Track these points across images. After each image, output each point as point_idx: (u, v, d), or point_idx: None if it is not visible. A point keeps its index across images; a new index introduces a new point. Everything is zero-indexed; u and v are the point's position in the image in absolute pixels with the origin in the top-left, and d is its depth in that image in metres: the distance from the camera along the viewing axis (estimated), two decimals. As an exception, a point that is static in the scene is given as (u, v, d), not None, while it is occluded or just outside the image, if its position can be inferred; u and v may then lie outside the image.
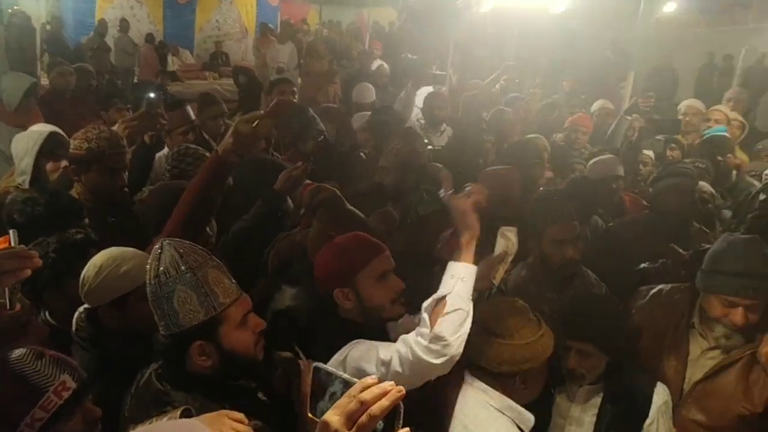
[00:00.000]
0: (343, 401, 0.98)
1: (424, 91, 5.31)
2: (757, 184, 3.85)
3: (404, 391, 0.95)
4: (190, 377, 1.61)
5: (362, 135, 4.32)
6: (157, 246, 1.62)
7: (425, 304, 1.81)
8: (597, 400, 2.15)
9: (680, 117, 5.04)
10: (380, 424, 0.96)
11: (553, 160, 4.36)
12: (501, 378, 1.93)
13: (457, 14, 6.17)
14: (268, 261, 2.71)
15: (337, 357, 1.83)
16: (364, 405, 0.95)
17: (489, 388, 1.94)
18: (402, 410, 0.97)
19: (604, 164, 3.73)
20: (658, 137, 4.19)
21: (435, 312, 1.77)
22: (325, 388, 1.04)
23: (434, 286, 2.48)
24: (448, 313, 1.74)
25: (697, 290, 2.27)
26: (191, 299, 1.55)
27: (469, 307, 1.79)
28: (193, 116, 3.74)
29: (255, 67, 10.31)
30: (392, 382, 0.97)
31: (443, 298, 1.78)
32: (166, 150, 3.59)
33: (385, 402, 0.95)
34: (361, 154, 4.01)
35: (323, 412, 1.00)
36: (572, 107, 6.10)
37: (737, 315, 2.07)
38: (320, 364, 1.05)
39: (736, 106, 5.54)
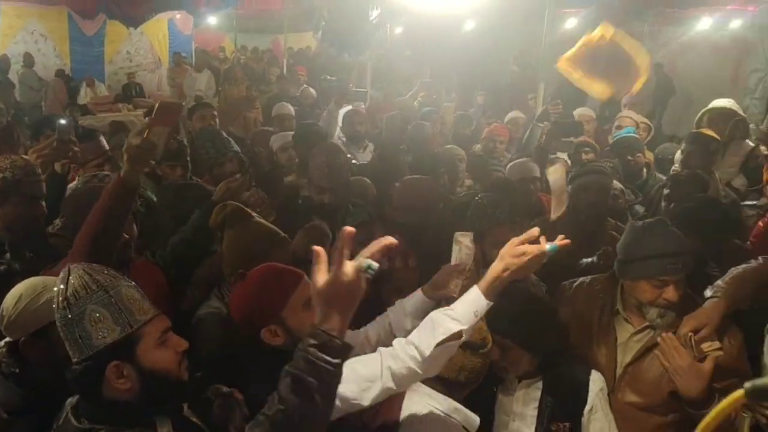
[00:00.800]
0: None
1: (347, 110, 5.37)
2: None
3: None
4: (110, 406, 1.51)
5: (283, 155, 4.31)
6: (63, 271, 1.55)
7: (438, 321, 1.69)
8: (537, 394, 2.18)
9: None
10: None
11: (472, 169, 4.52)
12: (450, 384, 1.93)
13: (372, 33, 6.27)
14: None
15: None
16: None
17: (434, 392, 1.93)
18: None
19: (521, 166, 3.93)
20: (568, 139, 4.39)
21: (449, 338, 1.68)
22: None
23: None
24: (456, 343, 1.70)
25: (615, 278, 2.36)
26: (105, 318, 1.48)
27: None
28: (107, 146, 3.63)
29: (171, 98, 10.10)
30: None
31: (460, 332, 1.68)
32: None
33: None
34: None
35: None
36: (488, 118, 6.31)
37: (670, 292, 2.16)
38: None
39: (633, 109, 5.89)
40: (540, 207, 3.79)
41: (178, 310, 2.45)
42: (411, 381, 1.74)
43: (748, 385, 0.64)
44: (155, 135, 2.08)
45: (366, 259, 1.39)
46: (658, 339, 2.12)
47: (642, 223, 2.29)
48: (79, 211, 2.29)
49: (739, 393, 0.65)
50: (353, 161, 4.22)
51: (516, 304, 2.17)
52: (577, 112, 5.63)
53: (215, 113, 4.84)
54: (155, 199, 2.97)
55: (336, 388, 1.42)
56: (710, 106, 4.72)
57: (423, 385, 1.94)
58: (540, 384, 2.19)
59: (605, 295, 2.38)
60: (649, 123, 5.56)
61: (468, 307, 1.70)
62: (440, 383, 1.92)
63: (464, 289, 1.84)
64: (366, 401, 1.69)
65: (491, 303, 1.71)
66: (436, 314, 1.72)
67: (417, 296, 2.10)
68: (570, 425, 2.14)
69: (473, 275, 2.40)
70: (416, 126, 5.00)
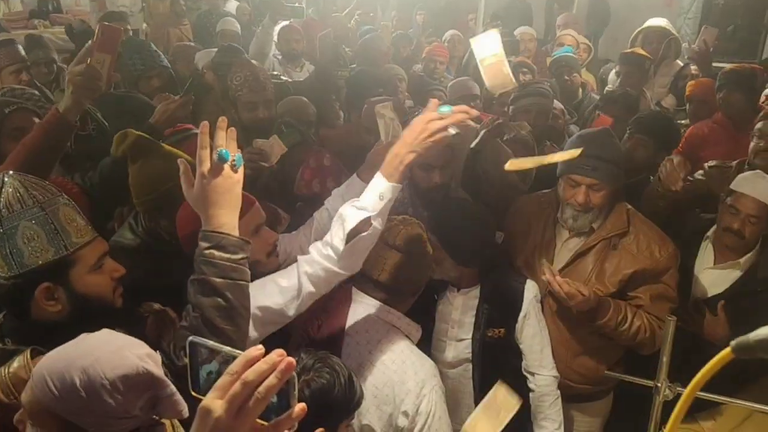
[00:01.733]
0: (224, 381, 0.83)
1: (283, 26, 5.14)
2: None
3: (294, 363, 0.84)
4: (37, 327, 1.45)
5: (209, 74, 4.09)
6: None
7: (348, 217, 1.65)
8: (474, 303, 2.27)
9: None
10: (274, 398, 0.84)
11: (413, 90, 4.46)
12: (393, 292, 1.96)
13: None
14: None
15: None
16: (248, 386, 0.81)
17: (378, 302, 1.96)
18: (296, 381, 0.85)
19: (462, 84, 3.95)
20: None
21: (355, 229, 1.65)
22: (204, 363, 0.91)
23: (298, 221, 2.43)
24: (369, 234, 1.67)
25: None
26: (39, 236, 1.41)
27: (383, 226, 1.72)
28: (24, 55, 3.41)
29: (92, 14, 9.43)
30: (281, 351, 0.83)
31: (369, 218, 1.66)
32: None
33: (273, 380, 0.82)
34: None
35: (207, 390, 0.86)
36: (428, 37, 6.20)
37: (579, 194, 2.25)
38: (196, 338, 0.92)
39: (566, 28, 5.86)
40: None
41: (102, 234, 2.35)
42: (332, 280, 1.72)
43: (733, 343, 0.67)
44: (98, 62, 1.95)
45: (219, 150, 1.37)
46: (544, 276, 2.20)
47: (589, 129, 2.37)
48: None
49: (725, 351, 0.68)
50: (284, 78, 4.08)
51: (447, 208, 2.27)
52: (519, 31, 5.60)
53: (128, 26, 4.58)
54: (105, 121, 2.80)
55: (246, 284, 1.42)
56: (645, 25, 4.77)
57: (367, 296, 1.97)
58: (477, 293, 2.27)
59: (550, 206, 2.46)
60: (590, 44, 5.59)
61: (372, 194, 1.66)
62: (384, 293, 1.95)
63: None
64: (291, 310, 1.70)
65: (398, 185, 1.66)
66: (344, 208, 1.68)
67: (353, 180, 2.10)
68: (505, 331, 2.24)
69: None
70: (369, 40, 4.88)
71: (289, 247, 2.09)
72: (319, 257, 1.69)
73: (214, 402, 0.82)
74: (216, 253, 1.36)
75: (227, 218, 1.39)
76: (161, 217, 2.11)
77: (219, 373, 0.86)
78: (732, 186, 2.35)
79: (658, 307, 2.26)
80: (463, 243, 2.17)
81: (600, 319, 2.23)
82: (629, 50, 4.45)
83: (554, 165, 2.38)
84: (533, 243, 2.44)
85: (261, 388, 0.81)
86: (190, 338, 0.92)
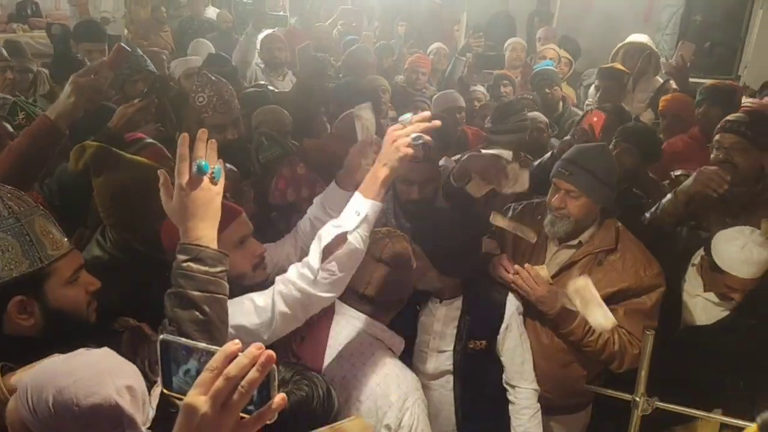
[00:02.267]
0: (206, 378, 0.83)
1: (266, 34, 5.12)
2: (581, 113, 4.20)
3: (274, 356, 0.84)
4: (9, 342, 1.42)
5: (188, 81, 4.02)
6: None
7: (324, 234, 1.65)
8: (456, 314, 2.26)
9: (508, 52, 5.44)
10: (254, 393, 0.85)
11: (396, 100, 4.47)
12: (377, 305, 1.95)
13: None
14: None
15: None
16: (231, 381, 0.82)
17: (361, 314, 1.95)
18: (276, 374, 0.86)
19: (446, 96, 3.99)
20: (489, 71, 4.43)
21: (332, 247, 1.64)
22: (178, 362, 0.90)
23: (273, 231, 2.41)
24: (346, 251, 1.65)
25: None
26: (13, 248, 1.38)
27: (365, 247, 1.70)
28: (6, 54, 3.40)
29: (72, 18, 9.33)
30: (260, 345, 0.84)
31: (344, 234, 1.65)
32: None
33: (255, 374, 0.82)
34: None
35: (181, 387, 0.88)
36: (410, 48, 6.23)
37: (556, 198, 2.27)
38: (168, 336, 0.91)
39: (546, 42, 5.95)
40: (465, 141, 3.82)
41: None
42: (309, 303, 1.70)
43: (759, 419, 0.68)
44: (104, 77, 2.00)
45: (198, 162, 1.37)
46: (510, 276, 2.23)
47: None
48: None
49: (752, 428, 0.69)
50: (271, 88, 4.06)
51: (430, 218, 2.29)
52: (510, 41, 5.69)
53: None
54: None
55: (224, 298, 1.41)
56: (627, 40, 4.83)
57: (351, 309, 1.96)
58: (460, 304, 2.27)
59: (544, 216, 2.42)
60: (571, 58, 5.65)
61: (348, 211, 1.67)
62: (368, 306, 1.94)
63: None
64: (265, 334, 1.67)
65: (378, 203, 1.67)
66: (323, 228, 1.69)
67: (332, 186, 2.09)
68: (486, 343, 2.24)
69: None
70: (359, 49, 4.88)
71: (276, 257, 2.08)
72: (294, 277, 1.68)
73: (198, 398, 0.82)
74: (194, 265, 1.35)
75: (206, 231, 1.39)
76: (133, 228, 2.03)
77: (197, 371, 0.87)
78: (725, 268, 2.26)
79: (632, 321, 2.25)
80: (448, 252, 2.17)
81: (566, 326, 2.24)
82: (608, 65, 4.50)
83: (548, 170, 2.41)
84: (522, 253, 2.44)
85: (244, 383, 0.82)
86: (162, 336, 0.91)
